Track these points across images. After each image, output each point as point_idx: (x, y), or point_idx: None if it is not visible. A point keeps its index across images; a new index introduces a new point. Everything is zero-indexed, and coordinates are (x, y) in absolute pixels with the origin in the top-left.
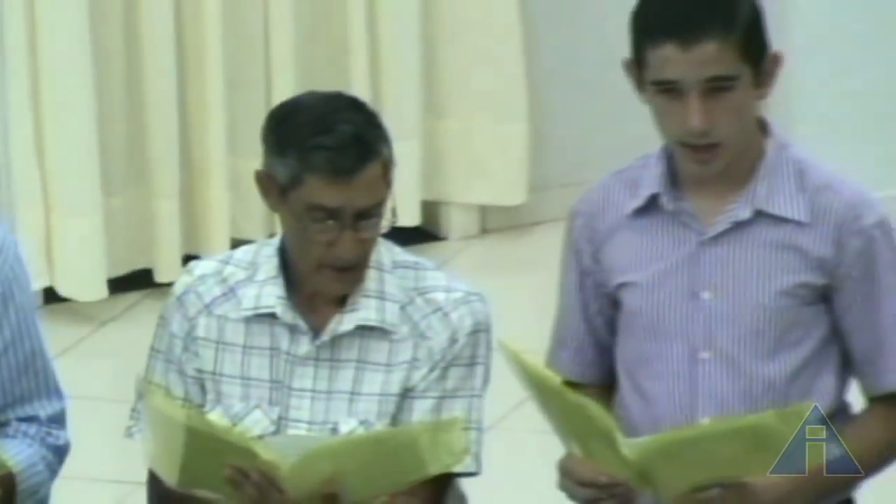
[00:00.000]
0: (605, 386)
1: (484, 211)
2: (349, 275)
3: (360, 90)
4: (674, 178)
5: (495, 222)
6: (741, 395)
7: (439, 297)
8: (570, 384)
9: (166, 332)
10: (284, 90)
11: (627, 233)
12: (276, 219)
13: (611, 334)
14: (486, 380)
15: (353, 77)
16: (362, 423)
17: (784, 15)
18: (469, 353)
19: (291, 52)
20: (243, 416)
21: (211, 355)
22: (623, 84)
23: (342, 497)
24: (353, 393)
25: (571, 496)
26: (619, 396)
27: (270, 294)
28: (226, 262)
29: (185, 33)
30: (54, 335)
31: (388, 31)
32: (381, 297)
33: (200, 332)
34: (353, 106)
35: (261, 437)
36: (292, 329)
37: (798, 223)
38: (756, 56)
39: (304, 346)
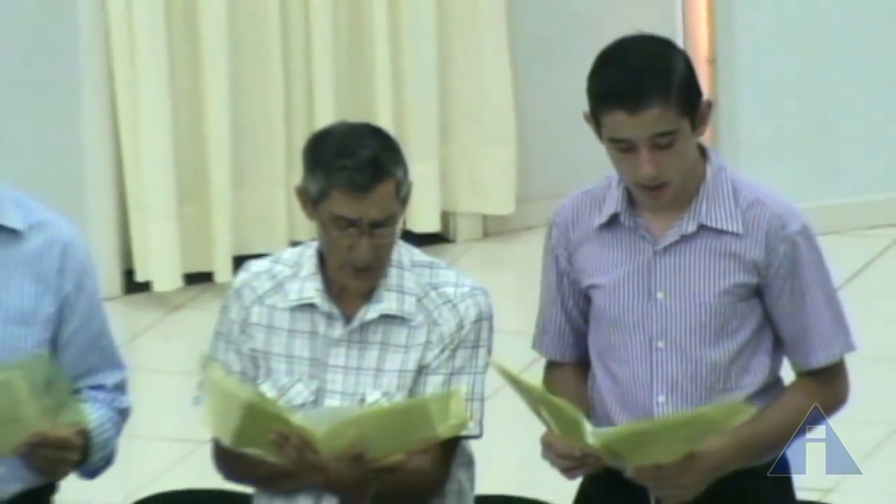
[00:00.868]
0: (581, 363)
1: (485, 219)
2: (366, 273)
3: (385, 121)
4: (631, 199)
5: (494, 228)
6: (690, 376)
7: (449, 291)
8: (552, 363)
9: (227, 318)
10: (325, 118)
11: (595, 243)
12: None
13: (584, 322)
14: (486, 360)
15: (379, 109)
16: (385, 394)
17: (732, 61)
18: (473, 337)
19: (331, 87)
20: (288, 388)
21: (262, 337)
22: None
23: (366, 456)
24: (377, 370)
25: (552, 464)
26: (592, 375)
27: (311, 288)
28: (276, 262)
29: (241, 68)
30: (136, 318)
31: (410, 80)
32: (401, 290)
33: (254, 318)
34: (373, 133)
35: (302, 405)
36: (328, 316)
37: (734, 234)
38: (692, 108)
39: (338, 330)
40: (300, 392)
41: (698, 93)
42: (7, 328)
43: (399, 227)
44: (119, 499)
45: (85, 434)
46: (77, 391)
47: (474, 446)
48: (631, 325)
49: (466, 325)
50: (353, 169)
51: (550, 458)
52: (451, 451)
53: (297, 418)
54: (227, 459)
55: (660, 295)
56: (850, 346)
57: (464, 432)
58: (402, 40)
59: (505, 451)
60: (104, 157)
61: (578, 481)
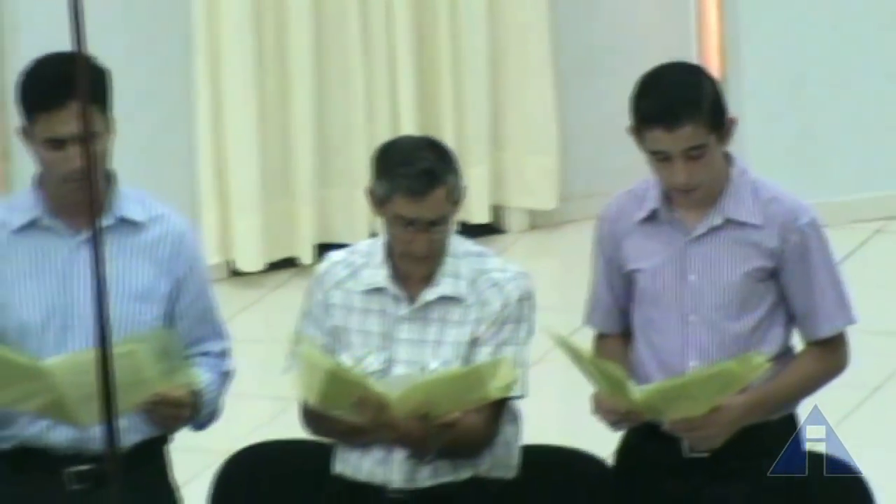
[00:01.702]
0: (625, 334)
1: (532, 213)
2: (424, 262)
3: (447, 132)
4: (667, 198)
5: (539, 221)
6: (717, 345)
7: (496, 275)
8: (601, 335)
9: (312, 300)
10: (399, 130)
11: (637, 235)
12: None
13: (628, 300)
14: (530, 332)
15: (443, 121)
16: (444, 363)
17: (740, 88)
18: (517, 314)
19: (405, 103)
20: (363, 358)
21: (341, 316)
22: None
23: (431, 414)
24: (437, 342)
25: (601, 419)
26: (634, 346)
27: (381, 274)
28: (352, 252)
29: (328, 87)
30: (238, 297)
31: (468, 98)
32: (456, 276)
33: (334, 300)
34: (430, 146)
35: (374, 373)
36: (396, 298)
37: (755, 226)
38: (719, 124)
39: (404, 309)
40: (372, 362)
41: (724, 111)
42: (130, 304)
43: (453, 225)
44: (224, 447)
45: (195, 394)
46: (189, 357)
47: (523, 404)
48: (667, 302)
49: (511, 304)
50: (411, 177)
51: (600, 414)
52: (500, 410)
53: (374, 383)
54: (312, 418)
55: (692, 277)
56: (851, 320)
57: (510, 394)
58: (462, 64)
59: (550, 408)
60: (208, 161)
61: (619, 434)
